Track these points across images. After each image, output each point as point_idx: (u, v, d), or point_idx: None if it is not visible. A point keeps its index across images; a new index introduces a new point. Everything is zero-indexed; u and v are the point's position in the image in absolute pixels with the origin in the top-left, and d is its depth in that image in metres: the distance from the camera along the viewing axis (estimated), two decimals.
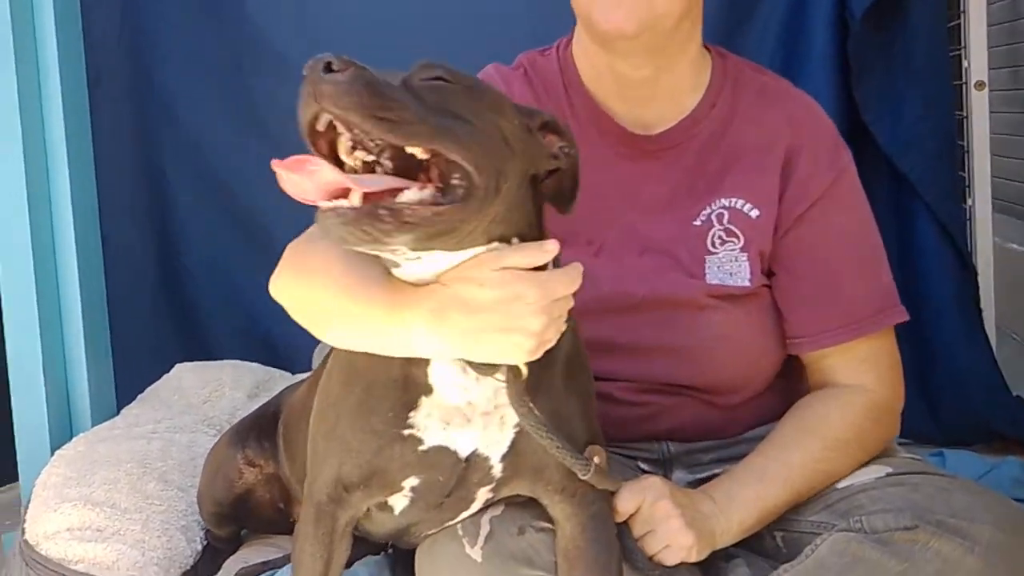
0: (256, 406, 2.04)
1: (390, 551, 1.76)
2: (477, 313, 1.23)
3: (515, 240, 1.27)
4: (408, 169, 1.16)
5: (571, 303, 1.30)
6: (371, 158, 1.16)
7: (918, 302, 2.43)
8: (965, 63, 2.79)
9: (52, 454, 2.20)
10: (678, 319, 1.66)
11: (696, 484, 1.66)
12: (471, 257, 1.24)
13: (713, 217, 1.68)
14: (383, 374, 1.34)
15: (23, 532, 1.98)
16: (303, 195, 1.14)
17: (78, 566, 1.87)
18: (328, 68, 1.08)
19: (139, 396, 2.51)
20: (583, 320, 1.42)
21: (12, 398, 2.44)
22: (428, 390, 1.33)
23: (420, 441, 1.34)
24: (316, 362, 2.15)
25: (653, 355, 1.67)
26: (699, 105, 1.71)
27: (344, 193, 1.12)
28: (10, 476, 2.57)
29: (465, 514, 1.45)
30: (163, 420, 2.31)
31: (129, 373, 2.64)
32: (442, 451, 1.35)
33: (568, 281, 1.28)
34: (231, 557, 1.96)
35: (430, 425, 1.33)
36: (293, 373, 2.55)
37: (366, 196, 1.12)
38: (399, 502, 1.43)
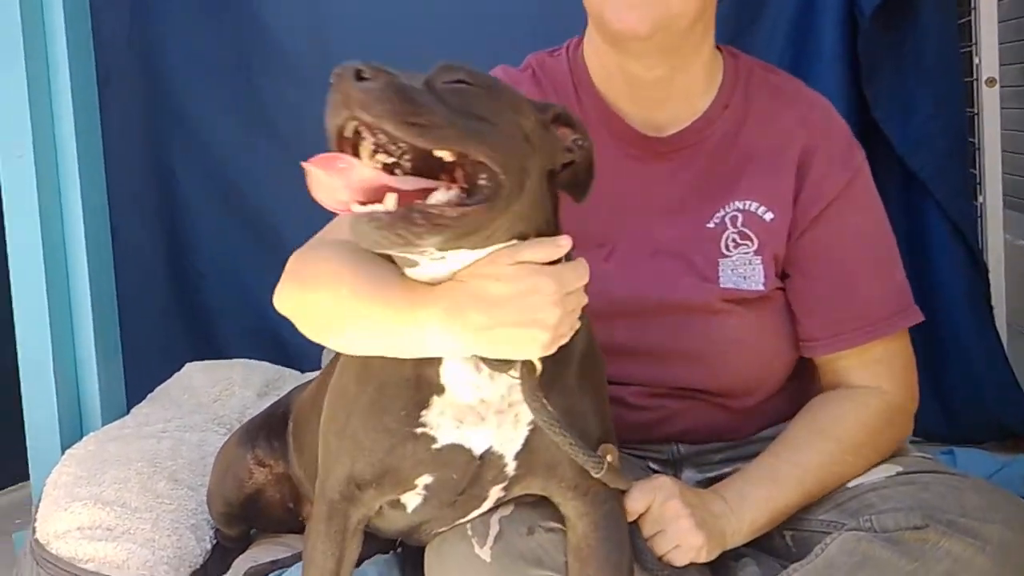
0: (266, 405, 2.05)
1: (399, 550, 1.76)
2: (494, 308, 1.23)
3: (533, 236, 1.28)
4: (428, 170, 1.18)
5: (584, 299, 1.31)
6: (392, 160, 1.17)
7: (929, 299, 2.42)
8: (976, 60, 2.77)
9: (63, 453, 2.20)
10: (691, 323, 1.64)
11: (706, 483, 1.65)
12: (488, 254, 1.25)
13: (727, 220, 1.67)
14: (395, 373, 1.34)
15: (34, 531, 1.99)
16: (333, 197, 1.15)
17: (88, 565, 1.88)
18: (359, 76, 1.10)
19: (149, 395, 2.51)
20: (595, 323, 1.43)
21: (23, 397, 2.45)
22: (440, 389, 1.33)
23: (433, 439, 1.34)
24: (326, 361, 2.15)
25: (666, 359, 1.66)
26: (711, 106, 1.69)
27: (375, 194, 1.14)
28: (21, 475, 2.58)
29: (476, 512, 1.45)
30: (173, 419, 2.31)
31: (139, 372, 2.65)
32: (456, 449, 1.35)
33: (579, 274, 1.29)
34: (240, 556, 1.96)
35: (443, 423, 1.34)
36: (303, 372, 2.56)
37: (399, 197, 1.14)
38: (412, 500, 1.43)
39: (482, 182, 1.18)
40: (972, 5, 2.78)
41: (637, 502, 1.47)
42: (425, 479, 1.39)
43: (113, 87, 2.68)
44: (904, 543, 1.39)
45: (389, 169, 1.17)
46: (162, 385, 2.53)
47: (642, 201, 1.68)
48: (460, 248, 1.22)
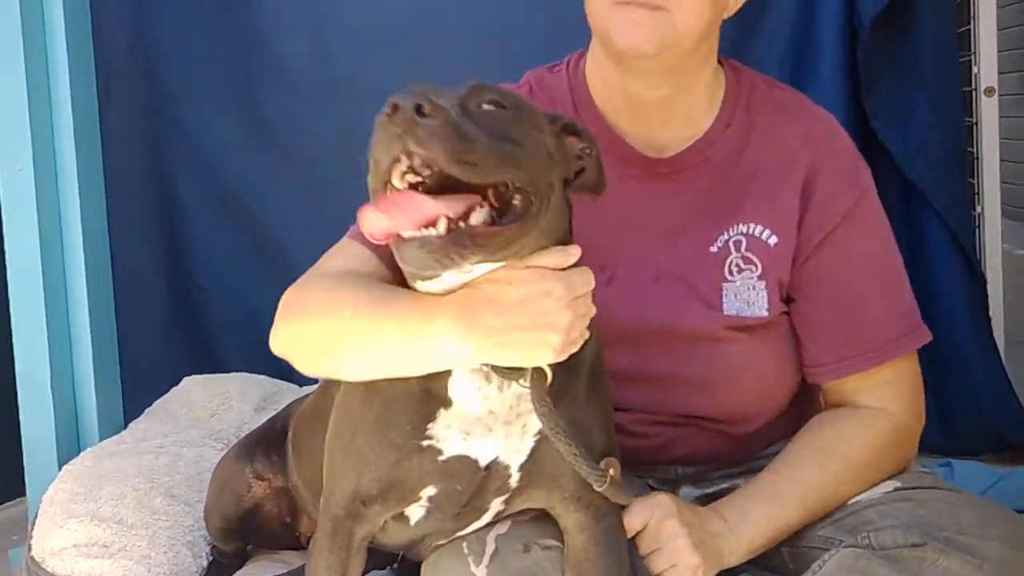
0: (263, 419, 2.05)
1: (396, 566, 1.76)
2: (507, 311, 1.24)
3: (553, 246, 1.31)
4: (450, 184, 1.20)
5: (592, 307, 1.32)
6: (418, 180, 1.20)
7: (927, 309, 2.38)
8: (975, 69, 2.78)
9: (60, 469, 2.20)
10: (694, 351, 1.63)
11: (704, 498, 1.65)
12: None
13: (731, 244, 1.64)
14: (401, 388, 1.35)
15: (30, 548, 1.98)
16: (379, 227, 1.19)
17: None
18: (419, 110, 1.14)
19: (147, 409, 2.51)
20: None
21: (20, 412, 2.44)
22: (448, 403, 1.33)
23: (440, 452, 1.35)
24: None
25: (668, 386, 1.64)
26: (713, 126, 1.66)
27: (425, 220, 1.18)
28: (17, 491, 2.57)
29: (476, 524, 1.45)
30: (170, 434, 2.31)
31: (137, 386, 2.64)
32: (462, 460, 1.35)
33: (586, 280, 1.30)
34: (237, 573, 1.96)
35: (450, 436, 1.34)
36: (301, 386, 2.55)
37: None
38: (415, 512, 1.43)
39: (516, 202, 1.23)
40: (971, 14, 2.79)
41: (635, 519, 1.47)
42: (429, 491, 1.38)
43: (113, 97, 2.68)
44: (902, 561, 1.39)
45: (415, 187, 1.20)
46: (160, 399, 2.53)
47: (643, 223, 1.66)
48: (494, 262, 1.25)
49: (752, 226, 1.63)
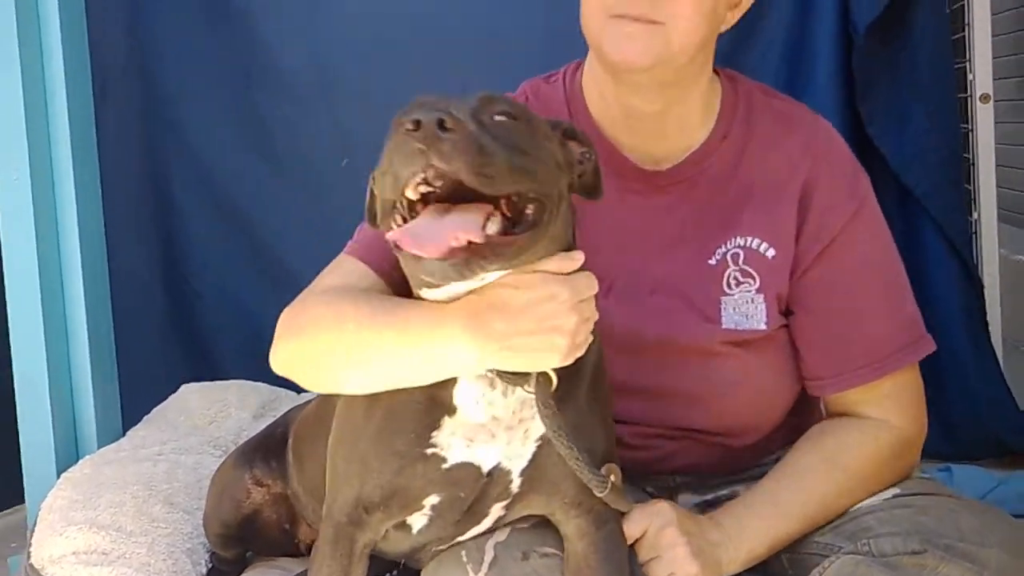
0: (262, 426, 2.04)
1: (396, 573, 1.76)
2: (514, 316, 1.25)
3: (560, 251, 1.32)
4: (460, 193, 1.21)
5: (596, 312, 1.33)
6: (430, 189, 1.20)
7: (925, 315, 2.39)
8: (970, 76, 2.78)
9: (59, 476, 2.20)
10: (692, 364, 1.62)
11: (702, 505, 1.65)
12: None
13: (728, 257, 1.62)
14: (405, 397, 1.35)
15: (29, 556, 1.98)
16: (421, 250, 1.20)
17: None
18: (441, 126, 1.14)
19: (145, 417, 2.51)
20: None
21: (19, 419, 2.43)
22: (452, 410, 1.34)
23: (443, 459, 1.35)
24: None
25: (666, 399, 1.64)
26: (709, 138, 1.64)
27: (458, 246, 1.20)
28: (16, 498, 2.57)
29: (476, 530, 1.45)
30: (169, 442, 2.31)
31: (136, 393, 2.64)
32: (466, 467, 1.35)
33: (590, 283, 1.31)
34: None
35: (453, 443, 1.34)
36: (299, 393, 2.55)
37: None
38: (418, 521, 1.43)
39: (528, 211, 1.25)
40: (966, 21, 2.79)
41: (634, 526, 1.47)
42: (432, 499, 1.39)
43: (109, 101, 2.68)
44: (902, 568, 1.38)
45: (426, 197, 1.21)
46: (158, 407, 2.53)
47: (641, 235, 1.65)
48: (507, 270, 1.26)
49: (750, 239, 1.62)
